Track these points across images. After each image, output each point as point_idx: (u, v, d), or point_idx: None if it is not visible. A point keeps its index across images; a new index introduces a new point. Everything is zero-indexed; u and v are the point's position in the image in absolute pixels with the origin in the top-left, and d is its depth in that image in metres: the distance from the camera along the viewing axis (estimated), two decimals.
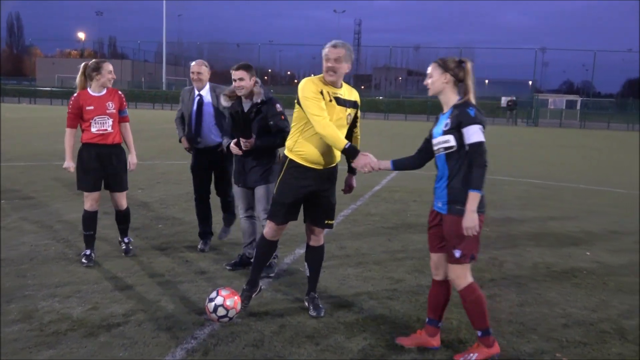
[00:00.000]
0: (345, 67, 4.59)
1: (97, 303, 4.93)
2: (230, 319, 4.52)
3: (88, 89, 5.97)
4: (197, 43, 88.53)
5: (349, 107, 4.66)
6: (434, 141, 4.14)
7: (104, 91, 6.00)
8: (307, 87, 4.55)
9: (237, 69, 5.54)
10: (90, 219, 6.12)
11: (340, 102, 4.61)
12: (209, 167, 6.63)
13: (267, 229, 4.90)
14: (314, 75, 4.78)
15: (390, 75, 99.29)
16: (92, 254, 6.06)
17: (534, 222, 8.87)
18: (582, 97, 63.82)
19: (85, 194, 6.07)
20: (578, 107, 54.02)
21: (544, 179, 13.82)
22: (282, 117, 5.51)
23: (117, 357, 3.97)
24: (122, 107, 6.10)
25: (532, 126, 44.66)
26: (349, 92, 4.73)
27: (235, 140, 5.64)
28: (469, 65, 4.06)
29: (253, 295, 5.02)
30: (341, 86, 4.67)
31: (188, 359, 3.98)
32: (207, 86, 6.53)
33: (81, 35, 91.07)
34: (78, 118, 5.93)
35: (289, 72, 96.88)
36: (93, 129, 5.91)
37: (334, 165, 4.80)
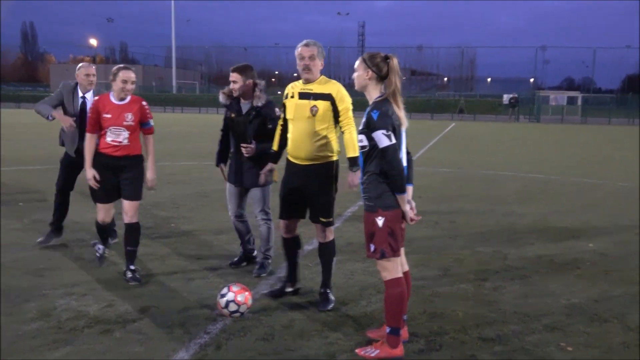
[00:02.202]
0: (319, 64, 4.79)
1: (112, 300, 4.96)
2: (242, 314, 4.54)
3: (110, 94, 5.45)
4: (205, 47, 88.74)
5: (313, 100, 4.74)
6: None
7: (127, 100, 5.41)
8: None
9: (232, 71, 5.61)
10: (102, 232, 5.85)
11: (304, 96, 4.79)
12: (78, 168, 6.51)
13: (281, 226, 5.07)
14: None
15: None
16: (105, 251, 5.92)
17: (536, 216, 8.84)
18: (582, 93, 63.42)
19: (98, 205, 5.63)
20: (579, 103, 53.70)
21: (544, 174, 13.77)
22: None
23: (133, 352, 4.00)
24: (145, 118, 5.49)
25: (534, 122, 44.48)
26: (321, 86, 4.79)
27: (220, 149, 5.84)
28: (394, 61, 3.92)
29: (289, 289, 5.16)
30: (314, 82, 4.81)
31: (201, 353, 4.00)
32: (91, 91, 6.54)
33: (93, 41, 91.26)
34: (98, 123, 5.39)
35: (295, 74, 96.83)
36: (108, 139, 5.38)
37: (316, 162, 4.80)
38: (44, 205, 8.80)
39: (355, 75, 4.01)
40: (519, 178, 13.08)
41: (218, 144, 5.94)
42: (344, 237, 7.20)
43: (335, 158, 4.88)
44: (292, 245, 5.15)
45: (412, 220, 3.98)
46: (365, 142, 3.90)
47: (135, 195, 5.53)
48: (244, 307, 4.53)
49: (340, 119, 4.82)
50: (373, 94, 3.98)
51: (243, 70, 5.58)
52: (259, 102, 5.58)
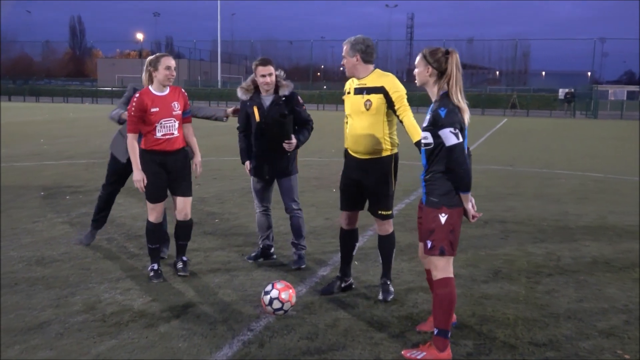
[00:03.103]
0: (352, 60, 4.94)
1: (156, 295, 5.06)
2: (285, 311, 4.57)
3: (150, 87, 5.36)
4: (250, 41, 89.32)
5: (366, 94, 4.89)
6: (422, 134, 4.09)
7: (167, 90, 5.38)
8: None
9: (265, 64, 5.59)
10: (155, 232, 5.57)
11: (357, 91, 4.96)
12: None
13: (341, 217, 5.26)
14: None
15: None
16: (160, 269, 5.56)
17: (592, 216, 8.62)
18: None
19: (150, 205, 5.50)
20: None
21: (602, 172, 13.41)
22: (304, 107, 5.82)
23: (177, 348, 4.07)
24: (187, 107, 5.49)
25: (591, 118, 43.37)
26: (374, 80, 4.93)
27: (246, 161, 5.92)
28: (454, 56, 3.93)
29: (342, 285, 5.26)
30: (366, 76, 4.96)
31: (244, 350, 4.05)
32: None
33: (139, 36, 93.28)
34: (142, 121, 5.28)
35: (341, 68, 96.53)
36: (158, 134, 5.28)
37: (375, 156, 4.93)
38: (91, 199, 9.04)
39: (416, 71, 4.08)
40: (575, 176, 12.77)
41: (241, 141, 5.98)
42: None
43: (394, 151, 4.99)
44: (350, 238, 5.28)
45: (473, 217, 3.99)
46: (430, 140, 3.92)
47: (189, 191, 5.62)
48: (287, 305, 4.56)
49: (395, 107, 4.89)
50: (434, 89, 4.00)
51: (272, 62, 5.65)
52: (285, 91, 5.66)
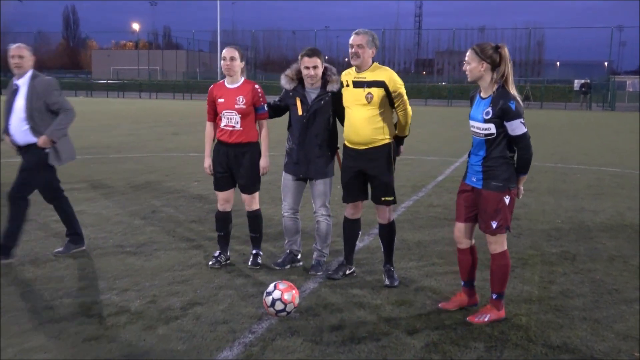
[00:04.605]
0: (369, 52, 5.24)
1: (154, 296, 5.08)
2: (288, 313, 4.58)
3: (225, 81, 5.79)
4: (251, 31, 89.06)
5: (367, 87, 5.22)
6: (473, 124, 4.64)
7: (239, 83, 5.71)
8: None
9: (312, 55, 5.48)
10: (221, 220, 5.99)
11: (357, 84, 5.27)
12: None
13: (346, 208, 5.66)
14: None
15: (454, 60, 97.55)
16: (222, 256, 5.96)
17: (610, 213, 8.61)
18: None
19: (217, 193, 5.96)
20: None
21: (619, 167, 13.38)
22: None
23: (176, 350, 4.09)
24: (258, 102, 5.69)
25: (608, 110, 43.23)
26: (374, 74, 5.25)
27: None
28: (505, 51, 4.48)
29: (347, 272, 5.66)
30: (367, 69, 5.27)
31: (246, 353, 4.07)
32: (28, 74, 5.99)
33: (135, 26, 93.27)
34: (213, 110, 5.79)
35: (346, 59, 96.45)
36: (222, 124, 5.71)
37: (375, 145, 5.29)
38: (87, 197, 9.08)
39: (468, 67, 4.54)
40: (591, 171, 12.74)
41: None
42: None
43: (390, 140, 5.35)
44: (354, 226, 5.68)
45: (520, 194, 4.69)
46: (493, 130, 4.49)
47: (252, 189, 5.88)
48: (290, 306, 4.57)
49: (395, 104, 5.31)
50: (489, 82, 4.54)
51: (320, 53, 5.56)
52: (334, 87, 5.57)
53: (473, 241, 4.93)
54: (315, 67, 5.48)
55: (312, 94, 5.60)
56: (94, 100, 48.28)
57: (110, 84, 61.05)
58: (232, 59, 5.61)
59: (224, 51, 5.67)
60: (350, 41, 5.26)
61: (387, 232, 5.58)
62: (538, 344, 4.29)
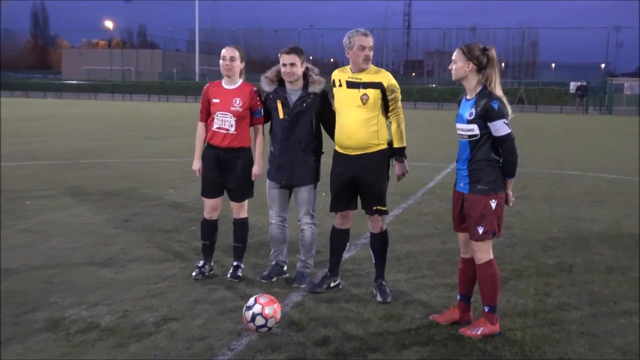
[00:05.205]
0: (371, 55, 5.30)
1: (126, 311, 5.03)
2: (270, 328, 4.55)
3: (222, 81, 5.79)
4: (232, 30, 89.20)
5: (362, 88, 5.19)
6: (458, 126, 4.78)
7: (237, 84, 5.72)
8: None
9: (289, 52, 5.51)
10: (207, 228, 6.02)
11: (351, 85, 5.24)
12: None
13: (336, 217, 5.60)
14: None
15: (445, 61, 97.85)
16: (206, 266, 5.94)
17: (607, 222, 8.67)
18: None
19: (204, 199, 5.98)
20: None
21: (617, 173, 13.49)
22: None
23: None
24: (255, 106, 5.68)
25: (605, 114, 43.66)
26: (371, 75, 5.25)
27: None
28: (492, 52, 4.61)
29: (332, 284, 5.59)
30: (364, 71, 5.27)
31: None
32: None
33: (109, 24, 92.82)
34: (207, 110, 5.76)
35: (332, 60, 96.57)
36: (214, 126, 5.67)
37: (368, 151, 5.25)
38: (55, 205, 8.99)
39: (454, 66, 4.69)
40: (588, 177, 12.84)
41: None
42: None
43: (385, 146, 5.33)
44: (342, 237, 5.63)
45: (511, 201, 4.76)
46: (477, 132, 4.59)
47: (241, 197, 5.89)
48: (272, 321, 4.54)
49: (390, 109, 5.30)
50: (475, 83, 4.66)
51: (301, 52, 5.55)
52: (316, 89, 5.56)
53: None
54: (292, 65, 5.48)
55: (293, 96, 5.58)
56: (64, 102, 47.99)
57: (81, 85, 60.76)
58: (232, 59, 5.63)
59: (223, 50, 5.67)
60: (360, 42, 5.20)
61: (380, 242, 5.52)
62: (533, 359, 4.29)
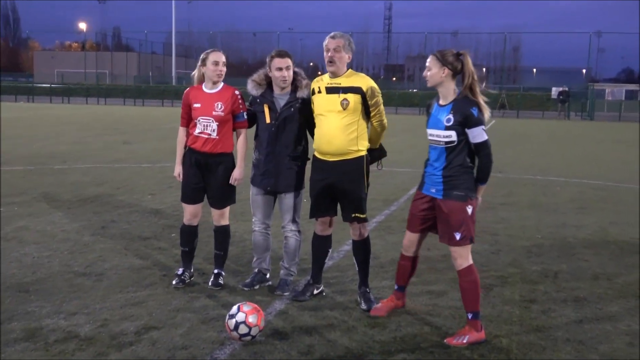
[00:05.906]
0: (345, 57, 5.27)
1: (106, 320, 5.00)
2: (253, 337, 4.56)
3: (202, 85, 5.75)
4: (209, 32, 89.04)
5: (342, 93, 5.20)
6: (432, 132, 4.84)
7: (218, 88, 5.70)
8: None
9: (283, 55, 5.48)
10: (186, 234, 6.02)
11: (330, 90, 5.26)
12: None
13: (316, 224, 5.63)
14: None
15: (426, 65, 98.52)
16: (186, 274, 5.93)
17: (592, 228, 8.77)
18: None
19: (184, 205, 5.95)
20: None
21: (601, 180, 13.66)
22: None
23: None
24: (237, 109, 5.68)
25: (587, 120, 44.13)
26: (349, 80, 5.26)
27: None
28: (467, 58, 4.71)
29: (315, 292, 5.63)
30: (342, 75, 5.29)
31: None
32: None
33: (82, 25, 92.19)
34: (188, 115, 5.75)
35: (311, 63, 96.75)
36: (196, 131, 5.66)
37: (347, 157, 5.26)
38: (29, 211, 8.91)
39: (429, 73, 4.78)
40: (572, 184, 12.99)
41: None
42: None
43: (365, 153, 5.34)
44: (324, 244, 5.66)
45: (478, 206, 4.85)
46: (454, 138, 4.67)
47: (223, 203, 5.86)
48: (255, 330, 4.55)
49: (372, 114, 5.32)
50: (450, 89, 4.77)
51: (290, 55, 5.55)
52: (304, 94, 5.54)
53: (420, 252, 5.23)
54: (288, 68, 5.48)
55: (281, 100, 5.58)
56: (36, 105, 47.51)
57: (54, 88, 60.08)
58: (224, 63, 5.65)
59: (215, 55, 5.61)
60: (325, 44, 5.25)
61: (362, 249, 5.53)
62: None
